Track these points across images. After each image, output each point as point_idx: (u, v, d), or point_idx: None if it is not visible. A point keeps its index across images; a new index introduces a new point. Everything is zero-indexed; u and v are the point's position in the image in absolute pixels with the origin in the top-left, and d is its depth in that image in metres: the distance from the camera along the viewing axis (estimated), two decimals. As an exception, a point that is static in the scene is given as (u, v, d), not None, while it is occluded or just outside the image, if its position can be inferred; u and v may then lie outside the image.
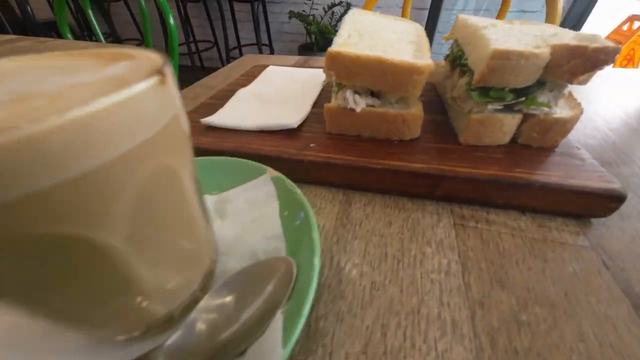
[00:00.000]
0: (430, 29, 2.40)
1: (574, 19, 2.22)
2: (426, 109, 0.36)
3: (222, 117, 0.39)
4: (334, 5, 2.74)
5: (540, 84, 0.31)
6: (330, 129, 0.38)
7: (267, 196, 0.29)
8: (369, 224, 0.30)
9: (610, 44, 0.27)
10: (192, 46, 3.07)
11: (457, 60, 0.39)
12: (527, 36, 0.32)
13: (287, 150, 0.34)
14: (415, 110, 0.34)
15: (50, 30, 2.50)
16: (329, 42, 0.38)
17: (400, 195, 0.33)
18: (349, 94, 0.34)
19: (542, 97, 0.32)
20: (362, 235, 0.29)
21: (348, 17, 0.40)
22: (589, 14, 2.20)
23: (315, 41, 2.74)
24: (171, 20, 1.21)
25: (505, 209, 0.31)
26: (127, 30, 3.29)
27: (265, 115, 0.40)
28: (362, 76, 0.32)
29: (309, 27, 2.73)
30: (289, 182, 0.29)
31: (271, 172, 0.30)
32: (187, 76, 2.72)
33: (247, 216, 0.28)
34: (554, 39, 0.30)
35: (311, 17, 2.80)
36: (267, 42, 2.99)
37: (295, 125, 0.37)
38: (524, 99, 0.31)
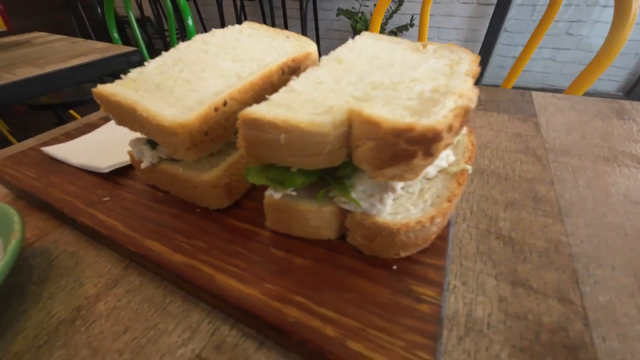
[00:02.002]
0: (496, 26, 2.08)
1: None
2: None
3: (61, 148, 0.36)
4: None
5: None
6: (142, 179, 0.31)
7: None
8: (107, 324, 0.23)
9: (429, 122, 0.14)
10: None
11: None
12: (357, 85, 0.20)
13: (74, 202, 0.29)
14: (209, 176, 0.24)
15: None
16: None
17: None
18: (133, 143, 0.26)
19: (363, 186, 0.19)
20: (80, 344, 0.22)
21: (197, 38, 0.32)
22: None
23: (361, 39, 2.65)
24: (189, 22, 1.25)
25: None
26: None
27: (95, 152, 0.34)
28: (132, 125, 0.24)
29: (355, 25, 2.63)
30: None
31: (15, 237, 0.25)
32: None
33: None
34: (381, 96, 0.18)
35: (359, 15, 2.68)
36: (315, 40, 2.95)
37: (105, 171, 0.31)
38: (326, 185, 0.19)
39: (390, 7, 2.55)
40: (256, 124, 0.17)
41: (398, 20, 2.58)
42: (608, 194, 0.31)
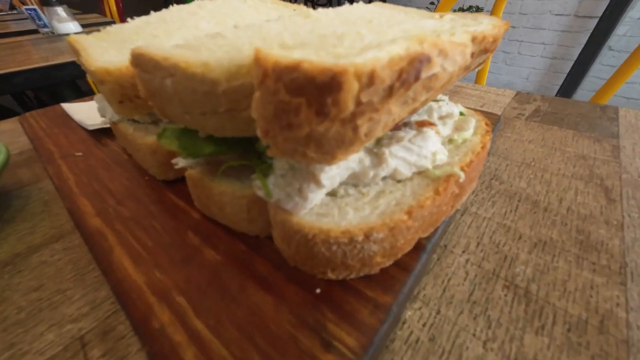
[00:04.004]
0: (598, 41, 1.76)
1: None
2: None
3: (72, 106, 0.38)
4: (461, 10, 2.39)
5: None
6: (118, 141, 0.30)
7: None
8: (28, 277, 0.22)
9: (323, 61, 0.08)
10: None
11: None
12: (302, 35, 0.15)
13: (53, 153, 0.29)
14: (150, 140, 0.22)
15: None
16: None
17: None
18: (98, 98, 0.25)
19: (282, 170, 0.14)
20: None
21: (194, 3, 0.30)
22: None
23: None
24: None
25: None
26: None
27: (94, 112, 0.35)
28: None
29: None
30: None
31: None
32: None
33: None
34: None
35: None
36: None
37: (90, 128, 0.31)
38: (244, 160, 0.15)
39: (467, 16, 2.35)
40: (141, 62, 0.13)
41: (474, 31, 2.37)
42: None
